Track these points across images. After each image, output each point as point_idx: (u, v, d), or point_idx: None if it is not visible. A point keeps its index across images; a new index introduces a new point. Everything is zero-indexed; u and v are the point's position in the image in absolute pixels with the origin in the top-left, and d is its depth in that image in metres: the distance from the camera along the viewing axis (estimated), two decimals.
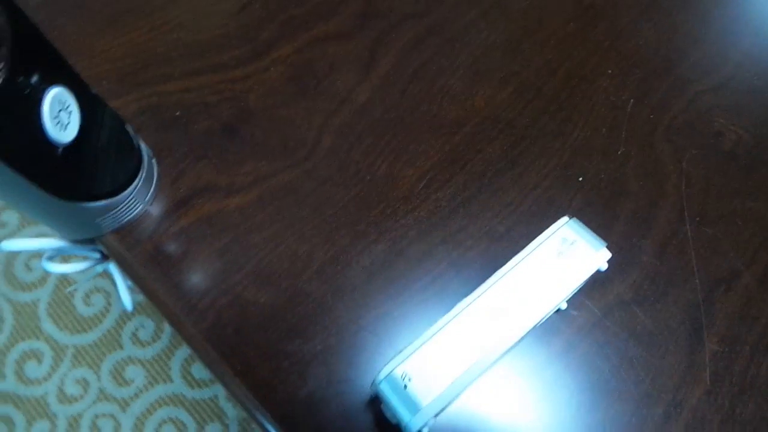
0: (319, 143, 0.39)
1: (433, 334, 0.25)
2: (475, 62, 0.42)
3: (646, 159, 0.38)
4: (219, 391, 1.07)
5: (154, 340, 1.11)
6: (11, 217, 1.19)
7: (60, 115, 0.29)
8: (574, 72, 0.41)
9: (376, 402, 0.32)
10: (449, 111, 0.40)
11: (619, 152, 0.39)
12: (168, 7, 0.43)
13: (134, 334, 1.11)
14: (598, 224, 0.36)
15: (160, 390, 1.07)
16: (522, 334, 0.25)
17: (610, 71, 0.41)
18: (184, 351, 1.10)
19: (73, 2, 0.43)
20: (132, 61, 0.41)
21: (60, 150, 0.29)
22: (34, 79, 0.27)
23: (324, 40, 0.42)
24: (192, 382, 1.08)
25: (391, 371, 0.25)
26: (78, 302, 1.13)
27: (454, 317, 0.26)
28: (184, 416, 1.06)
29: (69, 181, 0.30)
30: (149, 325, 1.12)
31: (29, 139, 0.27)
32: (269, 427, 0.32)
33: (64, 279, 1.15)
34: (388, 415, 0.26)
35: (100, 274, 1.14)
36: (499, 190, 0.37)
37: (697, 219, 0.37)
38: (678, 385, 0.33)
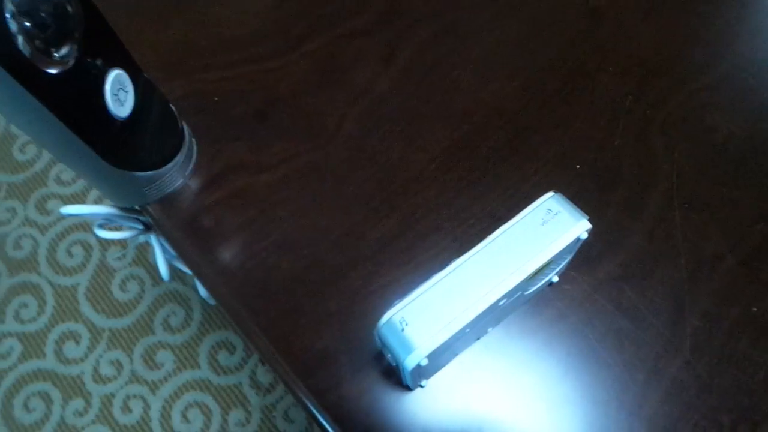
0: (341, 128, 0.43)
1: (429, 288, 0.29)
2: (486, 59, 0.45)
3: (640, 150, 0.42)
4: (243, 379, 1.11)
5: (184, 327, 1.16)
6: (56, 206, 1.27)
7: (119, 94, 0.33)
8: (577, 69, 0.45)
9: (382, 358, 0.36)
10: (460, 102, 0.44)
11: (615, 143, 0.42)
12: (211, 5, 0.48)
13: (166, 320, 1.16)
14: (592, 207, 0.39)
15: (188, 375, 1.12)
16: (507, 289, 0.28)
17: (611, 69, 0.45)
18: (212, 338, 1.15)
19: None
20: (179, 52, 0.46)
21: (118, 124, 0.34)
22: (100, 61, 0.32)
23: (349, 36, 0.47)
24: (218, 368, 1.12)
25: (390, 317, 0.28)
26: (115, 288, 1.19)
27: (447, 274, 0.29)
28: (209, 401, 1.10)
29: (123, 152, 0.35)
30: (180, 312, 1.17)
31: (94, 112, 0.32)
32: (285, 376, 0.36)
33: (103, 266, 1.21)
34: (388, 357, 0.30)
35: (135, 263, 1.21)
36: (501, 175, 0.41)
37: (686, 205, 0.39)
38: (659, 355, 0.35)
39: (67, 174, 1.29)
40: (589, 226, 0.30)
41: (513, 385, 0.35)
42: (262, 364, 1.11)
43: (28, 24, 0.26)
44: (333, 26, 0.47)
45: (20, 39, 0.26)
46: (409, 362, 0.28)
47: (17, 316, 1.17)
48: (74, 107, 0.31)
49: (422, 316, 0.28)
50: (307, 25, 0.47)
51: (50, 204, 1.27)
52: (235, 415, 1.09)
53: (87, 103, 0.32)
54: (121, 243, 1.18)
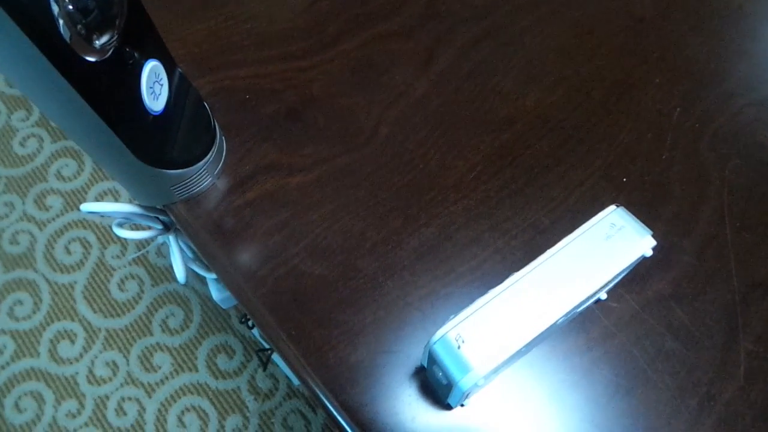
0: (377, 132, 0.41)
1: (485, 303, 0.27)
2: (528, 65, 0.44)
3: (689, 165, 0.40)
4: (242, 383, 1.09)
5: (182, 329, 1.14)
6: (55, 201, 1.24)
7: (154, 87, 0.32)
8: (623, 79, 0.43)
9: (420, 373, 0.34)
10: (501, 109, 0.42)
11: (663, 157, 0.40)
12: (244, 0, 0.46)
13: (164, 322, 1.14)
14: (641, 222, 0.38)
15: (185, 378, 1.09)
16: (569, 308, 0.27)
17: (657, 80, 0.43)
18: (210, 341, 1.12)
19: None
20: (209, 47, 0.44)
21: (151, 118, 0.32)
22: (138, 51, 0.30)
23: (386, 37, 0.45)
24: (216, 373, 1.10)
25: (446, 333, 0.27)
26: (113, 287, 1.17)
27: (505, 289, 0.28)
28: (206, 406, 1.08)
29: (154, 147, 0.33)
30: (179, 313, 1.15)
31: (129, 104, 0.30)
32: (317, 389, 0.34)
33: (102, 264, 1.19)
34: (438, 376, 0.28)
35: (135, 262, 1.18)
36: (545, 185, 0.39)
37: (737, 224, 0.38)
38: (712, 380, 0.34)
39: (69, 169, 1.27)
40: (654, 242, 0.28)
41: (558, 407, 0.33)
42: (265, 369, 1.08)
43: (71, 7, 0.25)
44: (369, 26, 0.46)
45: (62, 22, 0.24)
46: (466, 383, 0.26)
47: (11, 314, 1.15)
48: (110, 98, 0.29)
49: (479, 333, 0.26)
50: (342, 23, 0.45)
51: (50, 199, 1.24)
52: (233, 420, 1.07)
53: (123, 94, 0.30)
54: (139, 243, 1.16)
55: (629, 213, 0.29)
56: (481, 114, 0.42)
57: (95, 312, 1.15)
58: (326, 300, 0.36)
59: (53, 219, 1.23)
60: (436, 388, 0.32)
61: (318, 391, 0.34)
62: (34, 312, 1.15)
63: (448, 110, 0.42)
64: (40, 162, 1.28)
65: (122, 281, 1.17)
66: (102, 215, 0.41)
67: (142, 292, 1.17)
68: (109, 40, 0.27)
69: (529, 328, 0.26)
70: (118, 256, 1.19)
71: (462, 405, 0.33)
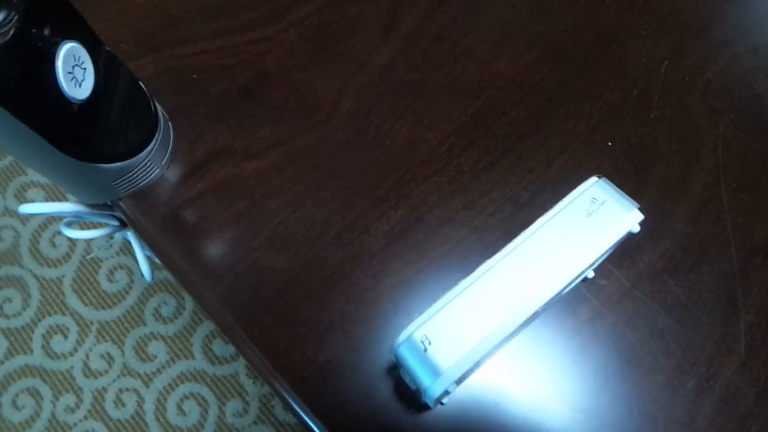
0: (338, 106, 0.38)
1: (454, 297, 0.24)
2: (500, 23, 0.40)
3: (680, 123, 0.37)
4: (240, 368, 1.08)
5: (176, 317, 1.12)
6: (37, 195, 1.21)
7: (74, 71, 0.28)
8: (605, 32, 0.40)
9: (395, 369, 0.31)
10: (473, 73, 0.38)
11: (651, 116, 0.37)
12: None
13: (156, 311, 1.12)
14: (628, 190, 0.34)
15: (182, 366, 1.09)
16: (548, 297, 0.24)
17: (643, 32, 0.39)
18: (205, 328, 1.11)
19: None
20: (149, 23, 0.40)
21: (75, 108, 0.28)
22: (48, 31, 0.26)
23: (343, 0, 0.41)
24: (213, 358, 1.09)
25: (410, 334, 0.24)
26: (102, 278, 1.15)
27: (476, 280, 0.25)
28: (205, 392, 1.07)
29: (84, 141, 0.30)
30: (171, 301, 1.13)
31: (43, 93, 0.26)
32: (285, 394, 0.31)
33: (90, 257, 1.16)
34: (407, 380, 0.25)
35: (122, 252, 1.16)
36: (523, 154, 0.36)
37: (734, 185, 0.35)
38: (711, 358, 0.31)
39: None
40: (641, 217, 0.25)
41: (546, 396, 0.31)
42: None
43: None
44: None
45: None
46: (435, 389, 0.23)
47: (1, 311, 1.13)
48: (18, 89, 0.25)
49: (448, 332, 0.23)
50: None
51: (30, 193, 1.21)
52: (233, 405, 1.07)
53: (34, 83, 0.26)
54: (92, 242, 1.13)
55: (612, 184, 0.26)
56: (451, 80, 0.38)
57: (86, 305, 1.13)
58: (290, 296, 0.33)
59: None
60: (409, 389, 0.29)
61: (286, 396, 0.31)
62: (24, 308, 1.13)
63: (415, 78, 0.38)
64: None
65: (111, 272, 1.15)
66: (44, 215, 0.38)
67: (132, 282, 1.15)
68: (5, 19, 0.24)
69: (503, 323, 0.23)
70: (105, 248, 1.17)
71: (441, 404, 0.31)
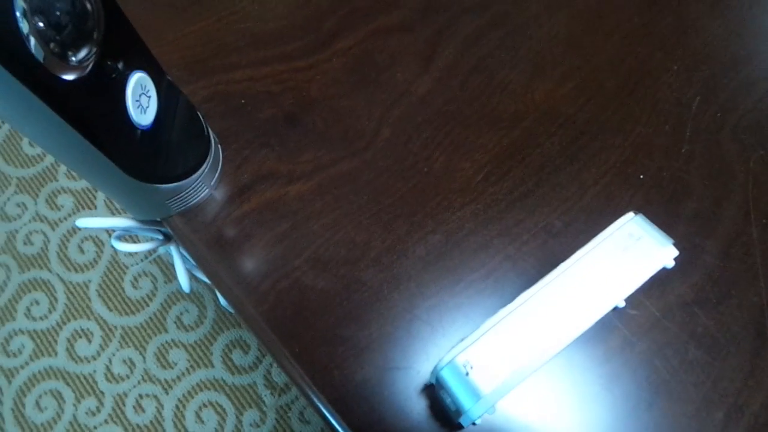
0: (378, 134, 0.39)
1: (495, 324, 0.26)
2: (536, 56, 0.42)
3: (711, 158, 0.38)
4: (258, 378, 1.09)
5: (197, 325, 1.14)
6: (67, 200, 1.24)
7: (141, 99, 0.30)
8: (638, 68, 0.41)
9: (430, 389, 0.32)
10: (508, 105, 0.40)
11: (682, 150, 0.38)
12: None
13: (179, 318, 1.14)
14: (660, 223, 0.35)
15: (202, 374, 1.10)
16: (584, 327, 0.25)
17: (675, 67, 0.41)
18: (225, 337, 1.12)
19: None
20: (200, 50, 0.42)
21: (139, 133, 0.30)
22: (121, 63, 0.28)
23: (385, 32, 0.43)
24: (232, 368, 1.10)
25: (453, 358, 0.25)
26: (127, 285, 1.17)
27: (516, 308, 0.26)
28: (223, 401, 1.08)
29: (145, 163, 0.32)
30: (193, 310, 1.15)
31: (114, 120, 0.28)
32: (324, 409, 0.33)
33: (115, 262, 1.19)
34: (447, 402, 0.27)
35: (149, 260, 1.18)
36: (557, 185, 0.37)
37: (764, 221, 0.36)
38: (739, 390, 0.32)
39: None
40: (676, 252, 0.26)
41: (576, 422, 0.32)
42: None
43: (41, 24, 0.23)
44: (368, 21, 0.43)
45: (33, 41, 0.23)
46: (475, 411, 0.24)
47: (28, 314, 1.15)
48: (93, 117, 0.27)
49: (489, 358, 0.25)
50: (339, 19, 0.43)
51: (60, 199, 1.24)
52: (250, 415, 1.08)
53: (107, 111, 0.28)
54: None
55: (648, 221, 0.27)
56: (488, 111, 0.40)
57: (110, 310, 1.15)
58: (330, 315, 0.34)
59: (65, 218, 1.23)
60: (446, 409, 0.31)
61: (325, 411, 0.33)
62: (50, 311, 1.15)
63: (452, 108, 0.40)
64: (49, 161, 1.28)
65: (135, 279, 1.17)
66: (100, 230, 0.40)
67: (156, 289, 1.17)
68: (87, 55, 0.26)
69: (541, 351, 0.25)
70: (141, 259, 1.19)
71: (474, 424, 0.32)
